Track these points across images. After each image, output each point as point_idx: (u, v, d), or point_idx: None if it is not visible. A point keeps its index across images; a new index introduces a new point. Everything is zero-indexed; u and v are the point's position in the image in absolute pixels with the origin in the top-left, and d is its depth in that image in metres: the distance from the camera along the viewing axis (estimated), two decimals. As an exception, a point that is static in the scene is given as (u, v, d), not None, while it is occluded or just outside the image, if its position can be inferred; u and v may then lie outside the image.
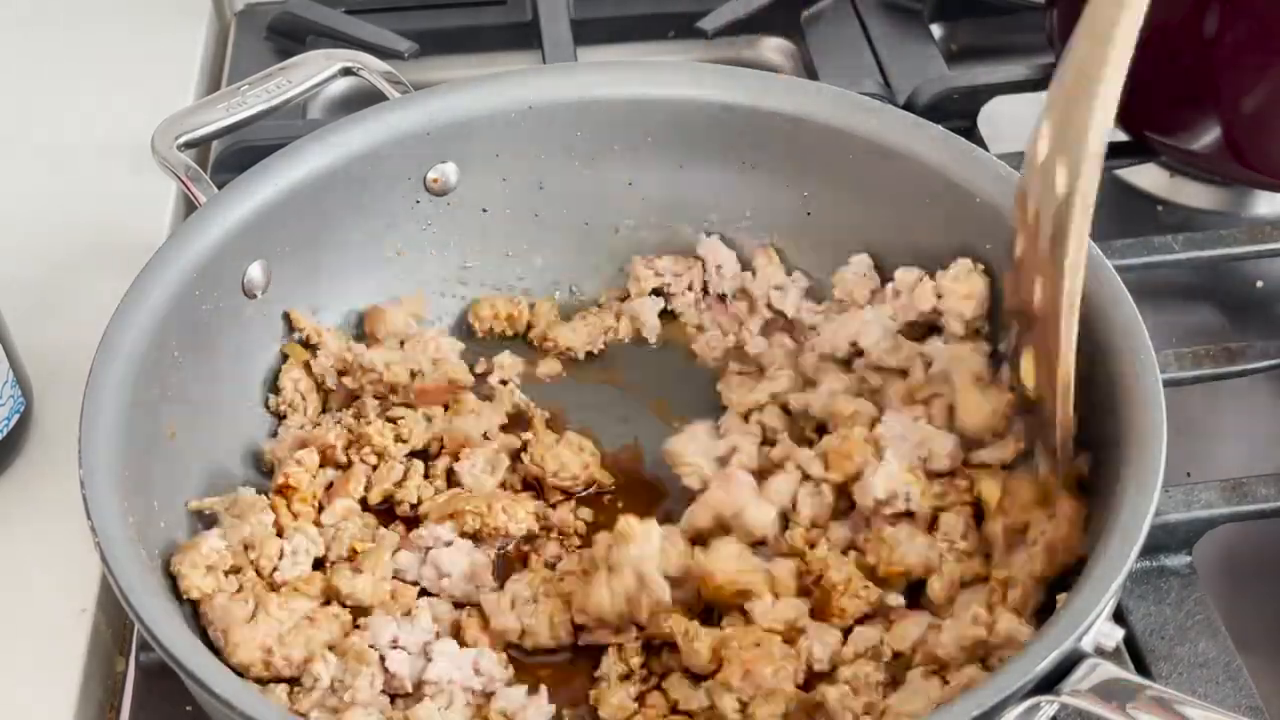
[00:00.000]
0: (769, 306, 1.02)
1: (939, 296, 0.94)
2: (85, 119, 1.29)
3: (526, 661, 0.84)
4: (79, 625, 0.89)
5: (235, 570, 0.84)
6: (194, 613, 0.82)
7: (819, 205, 1.03)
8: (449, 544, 0.87)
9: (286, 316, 0.98)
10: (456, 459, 0.93)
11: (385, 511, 0.92)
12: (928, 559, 0.83)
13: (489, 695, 0.80)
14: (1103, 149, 0.72)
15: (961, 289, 0.93)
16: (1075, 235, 0.74)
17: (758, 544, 0.86)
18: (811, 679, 0.80)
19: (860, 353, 0.96)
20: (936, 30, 1.41)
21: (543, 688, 0.81)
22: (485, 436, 0.95)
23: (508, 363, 1.01)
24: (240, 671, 0.79)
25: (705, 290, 1.05)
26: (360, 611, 0.84)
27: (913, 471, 0.86)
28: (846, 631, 0.82)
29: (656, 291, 1.05)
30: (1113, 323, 0.83)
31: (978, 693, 0.67)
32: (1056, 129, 0.75)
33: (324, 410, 0.97)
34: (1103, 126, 0.72)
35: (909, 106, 1.24)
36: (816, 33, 1.37)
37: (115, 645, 0.92)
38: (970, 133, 1.25)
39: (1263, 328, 1.14)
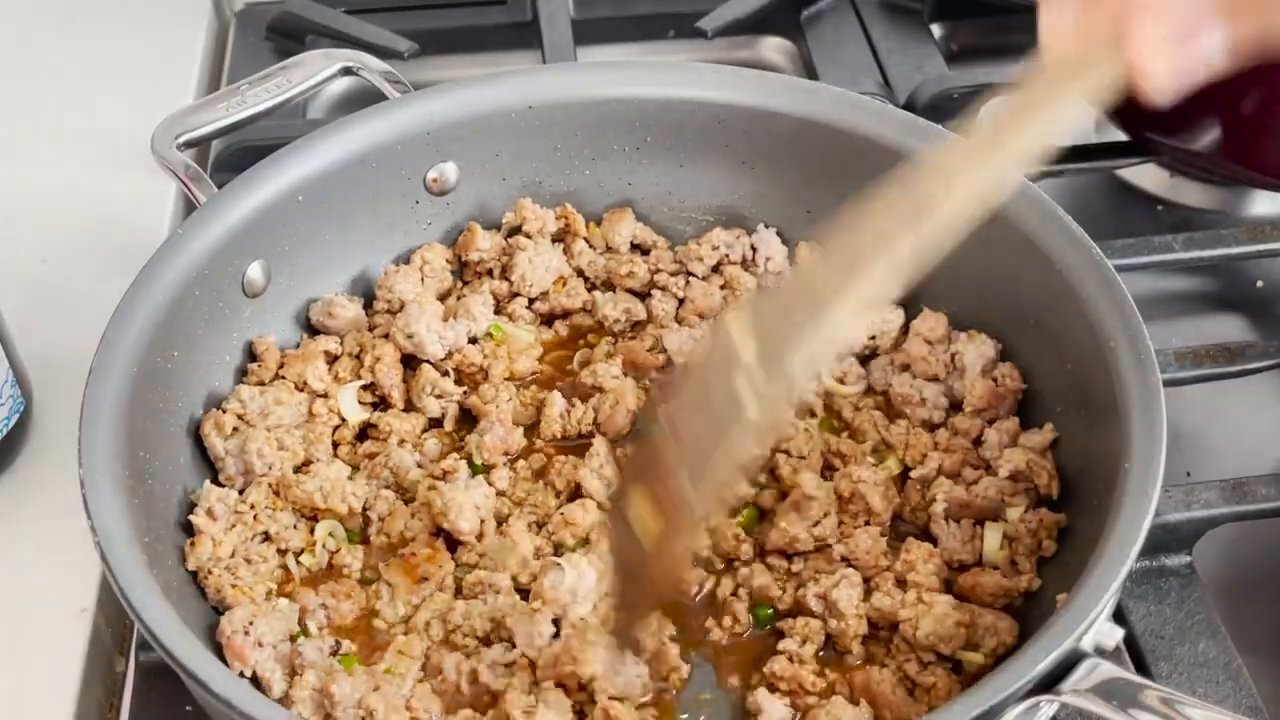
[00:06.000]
0: None
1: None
2: (85, 119, 1.29)
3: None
4: (79, 625, 0.89)
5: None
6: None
7: (819, 205, 1.03)
8: None
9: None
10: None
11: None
12: None
13: None
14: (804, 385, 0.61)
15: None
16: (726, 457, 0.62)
17: None
18: None
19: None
20: (936, 30, 1.41)
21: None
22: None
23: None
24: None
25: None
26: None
27: None
28: None
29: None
30: (1113, 323, 0.83)
31: (978, 692, 0.67)
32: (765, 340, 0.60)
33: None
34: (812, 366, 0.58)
35: (909, 106, 1.24)
36: (816, 33, 1.37)
37: (115, 645, 0.92)
38: (970, 133, 1.25)
39: (1263, 328, 1.14)
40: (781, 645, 0.82)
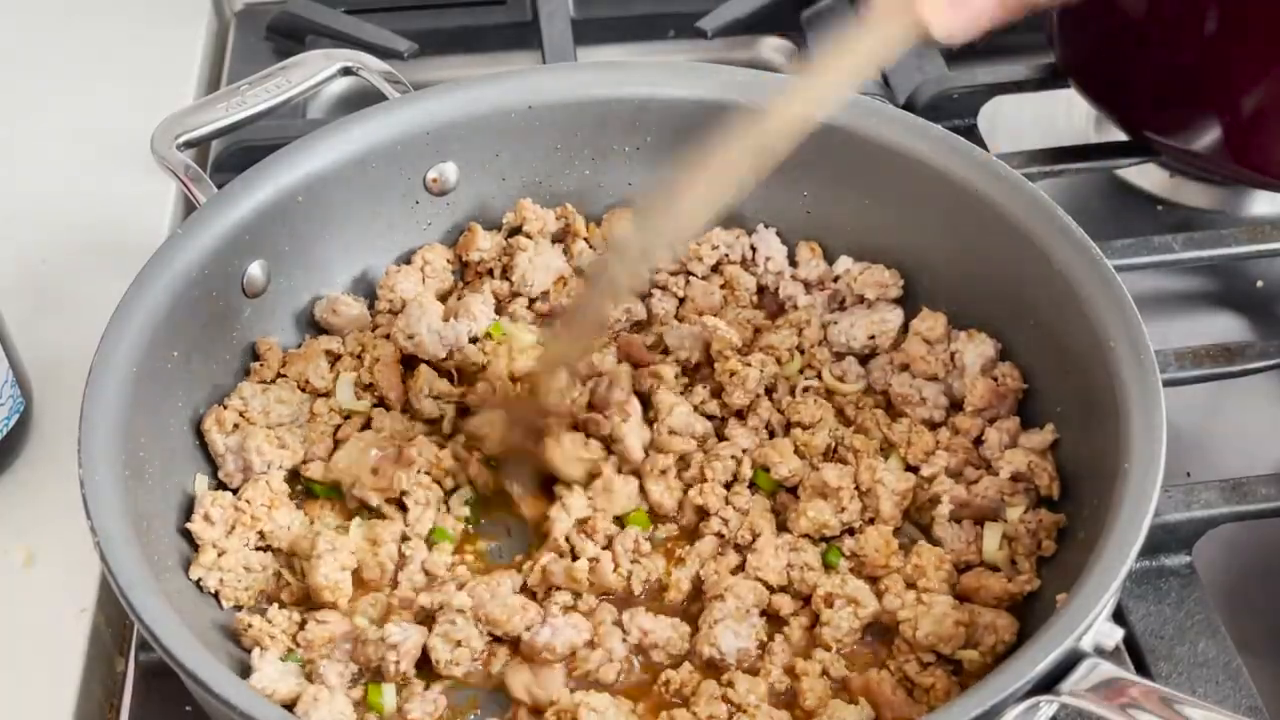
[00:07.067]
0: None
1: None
2: (85, 119, 1.29)
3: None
4: (79, 625, 0.89)
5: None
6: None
7: (818, 205, 1.03)
8: None
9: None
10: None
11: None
12: None
13: None
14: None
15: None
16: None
17: None
18: None
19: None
20: (936, 30, 1.41)
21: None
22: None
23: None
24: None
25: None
26: None
27: None
28: None
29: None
30: (1112, 322, 0.83)
31: (978, 692, 0.67)
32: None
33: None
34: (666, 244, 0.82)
35: (909, 106, 1.24)
36: (817, 32, 1.37)
37: (115, 645, 0.93)
38: (970, 132, 1.25)
39: (1263, 328, 1.14)
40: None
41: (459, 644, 0.82)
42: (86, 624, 0.89)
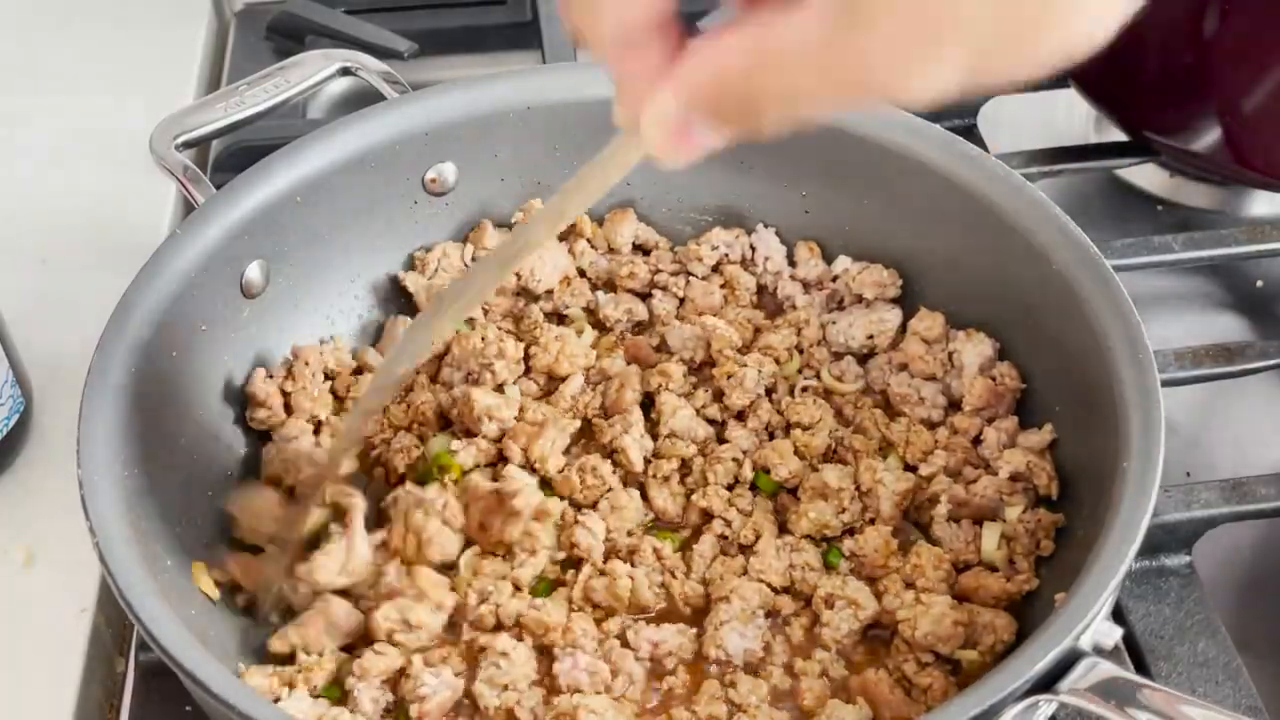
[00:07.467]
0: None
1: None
2: (85, 119, 1.29)
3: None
4: (79, 625, 0.89)
5: None
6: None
7: (817, 205, 1.03)
8: None
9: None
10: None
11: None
12: None
13: None
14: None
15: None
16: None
17: None
18: None
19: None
20: (936, 30, 1.40)
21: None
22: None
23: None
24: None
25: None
26: None
27: None
28: None
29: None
30: (1111, 322, 0.83)
31: (977, 691, 0.67)
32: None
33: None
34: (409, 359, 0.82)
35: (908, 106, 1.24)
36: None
37: (115, 645, 0.93)
38: (970, 132, 1.25)
39: (1262, 328, 1.14)
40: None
41: (506, 688, 0.80)
42: (86, 624, 0.90)
